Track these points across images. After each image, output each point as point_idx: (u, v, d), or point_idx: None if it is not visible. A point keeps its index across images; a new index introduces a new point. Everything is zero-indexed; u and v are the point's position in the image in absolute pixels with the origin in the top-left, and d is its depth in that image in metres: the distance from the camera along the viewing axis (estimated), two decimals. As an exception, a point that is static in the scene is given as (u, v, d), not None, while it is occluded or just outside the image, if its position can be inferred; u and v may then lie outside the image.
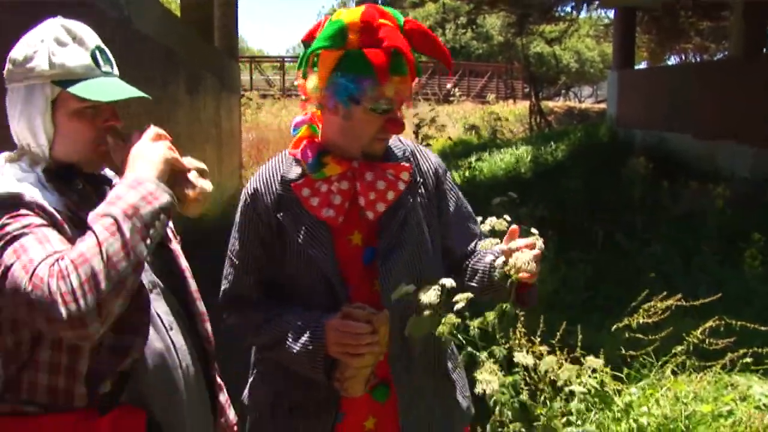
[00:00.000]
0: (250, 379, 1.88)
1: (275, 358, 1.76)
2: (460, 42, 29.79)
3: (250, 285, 1.80)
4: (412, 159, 1.85)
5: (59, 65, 1.39)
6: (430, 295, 1.53)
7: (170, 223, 1.62)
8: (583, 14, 20.93)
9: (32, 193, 1.36)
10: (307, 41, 1.73)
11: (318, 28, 1.71)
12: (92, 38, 1.46)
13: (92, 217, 1.29)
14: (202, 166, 1.49)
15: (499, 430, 1.56)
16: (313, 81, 1.69)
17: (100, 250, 1.24)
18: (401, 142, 1.87)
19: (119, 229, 1.26)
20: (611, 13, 18.01)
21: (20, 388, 1.37)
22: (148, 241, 1.30)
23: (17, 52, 1.42)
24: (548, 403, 1.65)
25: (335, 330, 1.61)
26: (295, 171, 1.76)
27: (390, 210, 1.76)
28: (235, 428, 1.83)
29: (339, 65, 1.64)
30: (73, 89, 1.39)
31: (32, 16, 2.67)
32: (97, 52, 1.45)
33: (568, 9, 18.95)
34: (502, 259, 1.66)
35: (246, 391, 1.89)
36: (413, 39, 1.68)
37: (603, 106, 22.05)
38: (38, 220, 1.32)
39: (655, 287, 3.13)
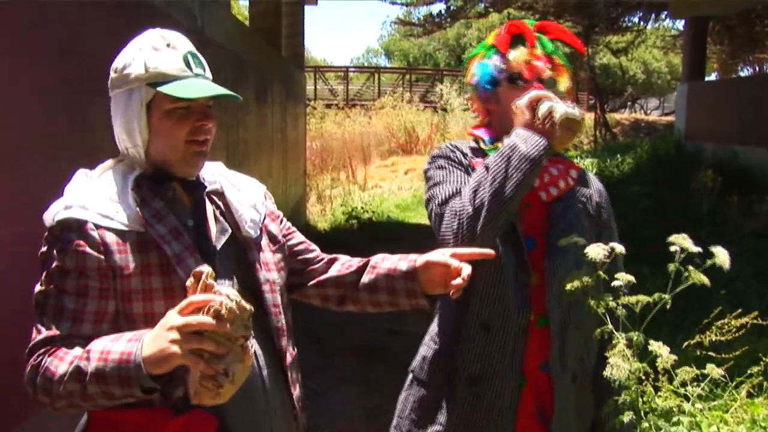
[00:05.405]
0: (422, 352, 1.97)
1: None
2: (525, 52, 29.39)
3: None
4: (580, 173, 1.95)
5: (153, 68, 1.47)
6: (596, 251, 1.48)
7: (274, 226, 1.70)
8: (650, 25, 20.46)
9: (98, 216, 1.43)
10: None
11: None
12: (185, 44, 1.53)
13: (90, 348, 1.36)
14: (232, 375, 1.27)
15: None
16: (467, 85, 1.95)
17: (61, 380, 1.34)
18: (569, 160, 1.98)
19: (83, 387, 1.33)
20: (680, 24, 17.58)
21: None
22: (85, 404, 1.37)
23: (118, 61, 1.51)
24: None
25: None
26: (473, 148, 1.92)
27: (560, 206, 1.84)
28: None
29: (479, 60, 1.92)
30: (164, 88, 1.45)
31: (116, 20, 2.76)
32: (189, 56, 1.51)
33: (636, 19, 18.60)
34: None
35: (416, 363, 1.98)
36: (545, 30, 1.90)
37: (670, 118, 21.51)
38: (83, 262, 1.41)
39: (726, 305, 3.03)
